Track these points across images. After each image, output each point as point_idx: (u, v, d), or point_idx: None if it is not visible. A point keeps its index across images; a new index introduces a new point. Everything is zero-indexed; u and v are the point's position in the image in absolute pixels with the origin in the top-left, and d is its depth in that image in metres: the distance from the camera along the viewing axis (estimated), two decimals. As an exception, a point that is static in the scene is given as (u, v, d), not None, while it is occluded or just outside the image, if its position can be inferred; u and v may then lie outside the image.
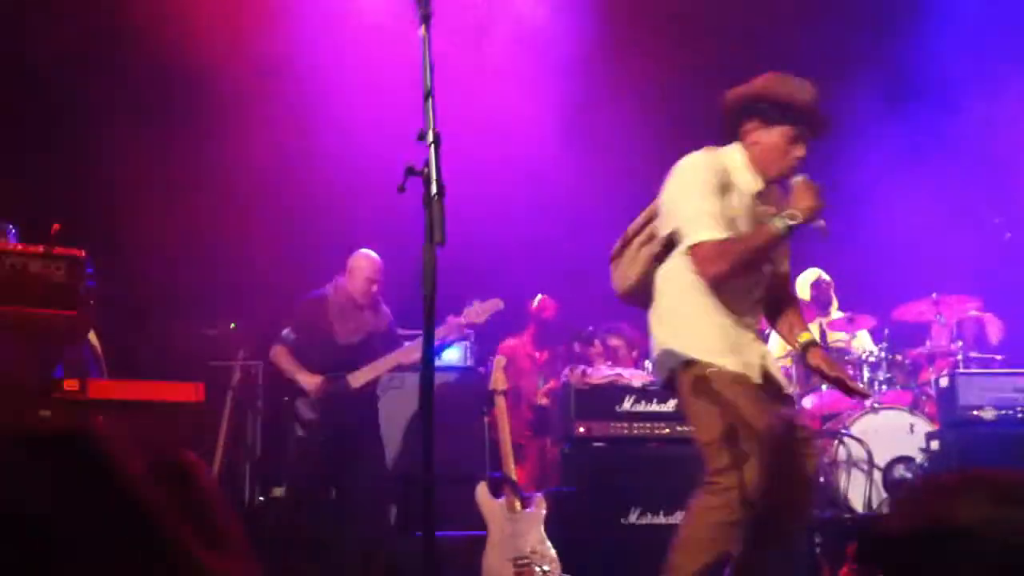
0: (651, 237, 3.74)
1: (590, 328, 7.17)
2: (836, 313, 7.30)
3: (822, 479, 6.28)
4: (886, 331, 6.90)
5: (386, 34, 6.79)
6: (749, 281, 3.65)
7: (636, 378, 6.05)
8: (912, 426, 6.34)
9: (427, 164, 2.81)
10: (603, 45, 7.81)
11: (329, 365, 5.80)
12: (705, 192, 3.56)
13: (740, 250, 3.53)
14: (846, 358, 6.77)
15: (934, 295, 6.91)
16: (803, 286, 7.38)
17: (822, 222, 3.49)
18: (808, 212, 3.46)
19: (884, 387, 6.65)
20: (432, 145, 2.83)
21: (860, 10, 8.24)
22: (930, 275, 7.19)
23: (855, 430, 6.32)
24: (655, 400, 5.91)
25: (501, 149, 7.54)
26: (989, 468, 1.47)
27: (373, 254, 5.99)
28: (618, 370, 6.17)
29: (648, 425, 5.90)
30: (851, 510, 6.18)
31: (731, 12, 7.93)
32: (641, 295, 3.79)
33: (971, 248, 7.36)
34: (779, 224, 3.45)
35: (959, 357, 6.70)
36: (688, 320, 3.65)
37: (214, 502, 1.16)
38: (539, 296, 7.71)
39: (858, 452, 6.25)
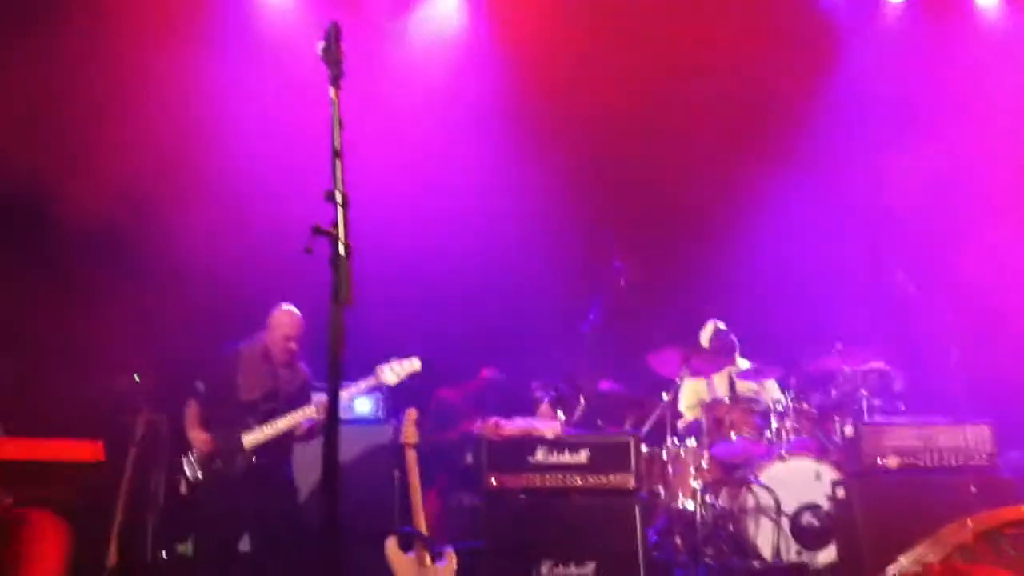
0: None
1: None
2: (743, 363, 7.43)
3: (732, 527, 6.35)
4: (793, 381, 7.04)
5: (300, 94, 6.79)
6: None
7: (549, 430, 6.06)
8: (818, 474, 6.45)
9: (335, 224, 2.81)
10: (515, 102, 7.92)
11: (230, 420, 5.69)
12: None
13: None
14: (754, 407, 6.88)
15: (839, 346, 7.06)
16: (704, 338, 7.52)
17: None
18: None
19: (791, 436, 6.76)
20: (340, 206, 2.83)
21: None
22: (836, 327, 7.35)
23: (764, 478, 6.41)
24: (567, 451, 5.93)
25: (437, 209, 7.59)
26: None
27: (294, 310, 5.92)
28: (532, 421, 6.18)
29: (560, 476, 5.91)
30: (760, 557, 6.25)
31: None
32: None
33: (875, 300, 7.58)
34: None
35: (863, 406, 6.84)
36: None
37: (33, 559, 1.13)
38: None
39: (766, 500, 6.33)
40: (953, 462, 6.32)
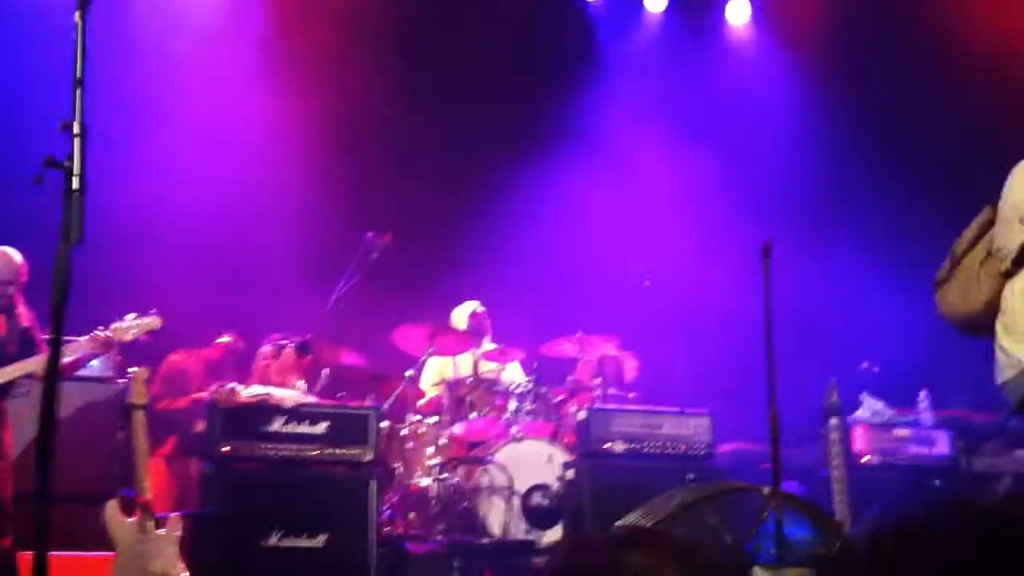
0: (988, 254, 3.40)
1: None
2: (489, 344, 7.56)
3: (465, 504, 6.45)
4: (535, 364, 7.23)
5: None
6: None
7: (288, 399, 5.95)
8: (551, 456, 6.65)
9: (70, 157, 2.63)
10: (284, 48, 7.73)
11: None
12: None
13: None
14: (495, 388, 7.02)
15: (579, 334, 7.31)
16: (461, 317, 7.61)
17: None
18: None
19: (528, 418, 6.94)
20: (77, 137, 2.66)
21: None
22: (578, 314, 7.60)
23: (499, 458, 6.54)
24: (305, 421, 5.84)
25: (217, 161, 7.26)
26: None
27: (12, 252, 5.46)
28: (269, 389, 6.04)
29: (296, 447, 5.81)
30: (489, 535, 6.38)
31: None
32: (987, 320, 3.40)
33: (614, 292, 7.90)
34: None
35: (598, 393, 7.12)
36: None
37: None
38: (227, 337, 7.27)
39: (500, 479, 6.47)
40: (675, 449, 6.71)
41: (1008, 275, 3.30)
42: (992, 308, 3.36)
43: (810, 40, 8.69)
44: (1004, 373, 3.30)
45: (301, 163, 7.79)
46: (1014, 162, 3.40)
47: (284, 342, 6.86)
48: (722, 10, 9.14)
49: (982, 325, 3.42)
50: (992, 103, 7.71)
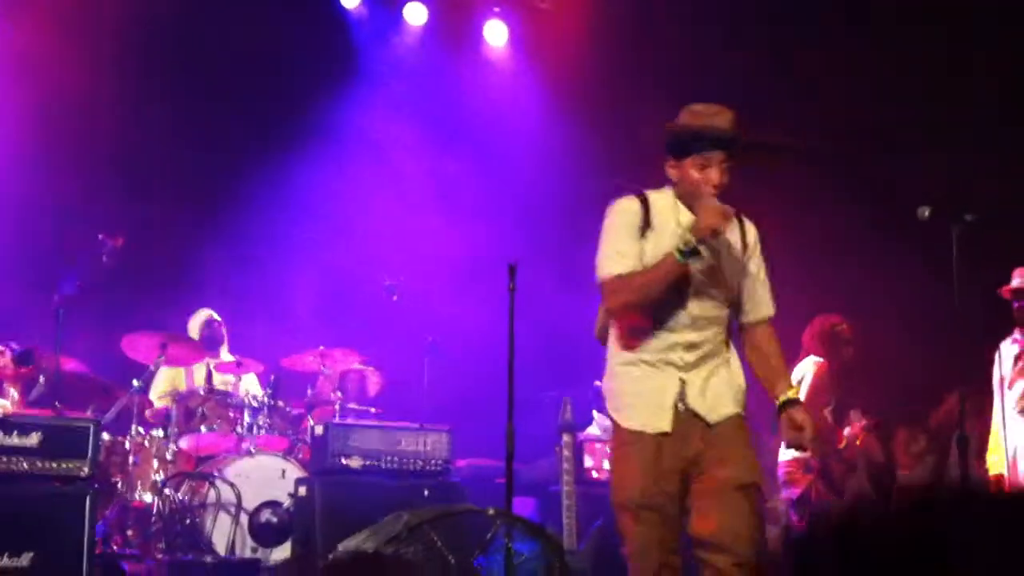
0: None
1: None
2: (226, 355, 7.32)
3: (189, 521, 6.18)
4: (272, 377, 7.04)
5: None
6: (667, 317, 3.67)
7: (-3, 408, 5.54)
8: (284, 471, 6.48)
9: None
10: None
11: None
12: (618, 232, 3.68)
13: (640, 282, 3.60)
14: (230, 400, 6.80)
15: (321, 347, 7.18)
16: (195, 326, 7.33)
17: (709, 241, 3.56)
18: (703, 232, 3.50)
19: (263, 432, 6.74)
20: None
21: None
22: (320, 327, 7.48)
23: (229, 473, 6.32)
24: (16, 432, 5.44)
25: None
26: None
27: None
28: (-24, 398, 5.60)
29: (6, 459, 5.40)
30: (213, 552, 6.14)
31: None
32: None
33: (359, 305, 7.82)
34: (675, 249, 3.51)
35: (337, 407, 7.01)
36: (610, 377, 3.81)
37: None
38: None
39: (228, 495, 6.25)
40: (412, 465, 6.69)
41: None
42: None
43: (561, 66, 8.92)
44: None
45: (20, 162, 7.26)
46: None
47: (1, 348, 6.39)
48: (480, 29, 9.23)
49: None
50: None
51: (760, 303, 3.86)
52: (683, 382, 3.67)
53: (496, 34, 9.22)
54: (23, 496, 5.40)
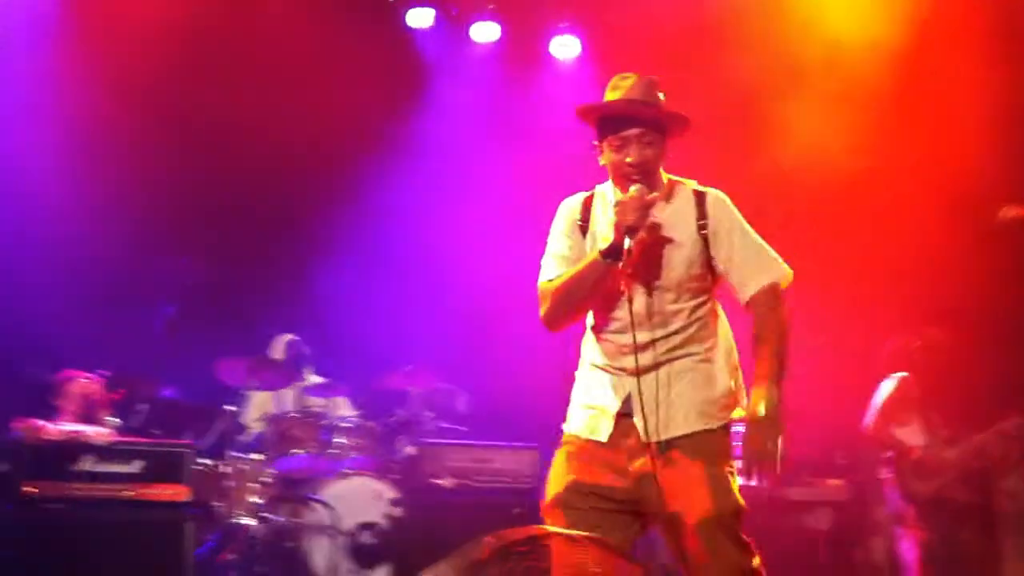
0: None
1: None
2: (313, 377, 7.35)
3: (290, 544, 6.21)
4: (362, 399, 7.07)
5: None
6: (609, 319, 3.37)
7: (99, 436, 5.62)
8: (379, 492, 6.48)
9: None
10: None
11: None
12: (553, 234, 3.49)
13: (563, 288, 3.31)
14: (322, 423, 6.81)
15: (409, 367, 7.20)
16: (278, 350, 7.37)
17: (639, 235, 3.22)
18: (618, 232, 3.20)
19: (355, 453, 6.76)
20: None
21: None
22: (408, 347, 7.49)
23: (325, 495, 6.34)
24: (117, 459, 5.52)
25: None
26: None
27: None
28: (79, 427, 5.70)
29: (108, 486, 5.48)
30: (314, 575, 6.16)
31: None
32: None
33: (445, 323, 7.81)
34: (596, 250, 3.26)
35: (427, 427, 7.01)
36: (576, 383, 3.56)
37: None
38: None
39: (325, 517, 6.25)
40: (503, 483, 6.69)
41: None
42: None
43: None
44: None
45: (104, 184, 7.32)
46: None
47: (92, 375, 6.48)
48: (548, 44, 9.11)
49: None
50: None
51: (747, 277, 3.37)
52: (631, 392, 3.32)
53: (567, 48, 9.13)
54: (126, 522, 5.47)
